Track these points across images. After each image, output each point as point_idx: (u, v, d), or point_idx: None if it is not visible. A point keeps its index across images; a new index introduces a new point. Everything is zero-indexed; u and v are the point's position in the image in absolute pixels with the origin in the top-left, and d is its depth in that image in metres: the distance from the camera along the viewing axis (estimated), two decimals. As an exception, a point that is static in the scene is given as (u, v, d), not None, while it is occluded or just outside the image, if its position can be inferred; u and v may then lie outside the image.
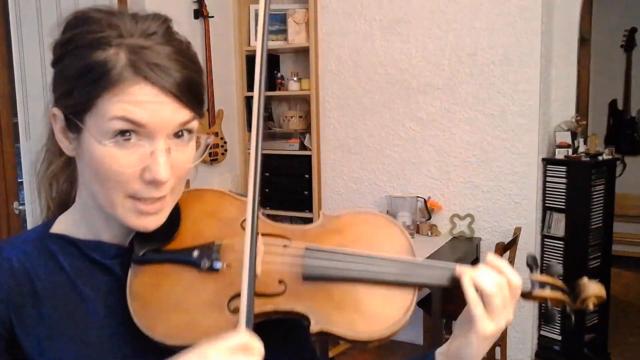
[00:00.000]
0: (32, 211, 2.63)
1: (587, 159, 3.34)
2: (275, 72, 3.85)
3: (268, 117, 3.95)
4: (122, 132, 0.65)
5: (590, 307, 0.77)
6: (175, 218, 0.76)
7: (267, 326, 0.69)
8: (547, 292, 0.76)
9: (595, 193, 3.27)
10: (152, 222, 0.71)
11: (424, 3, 3.44)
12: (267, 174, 3.87)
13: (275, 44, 3.80)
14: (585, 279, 0.79)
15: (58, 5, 2.84)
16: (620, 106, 5.72)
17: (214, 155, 3.57)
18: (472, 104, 3.39)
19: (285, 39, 3.76)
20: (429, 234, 3.43)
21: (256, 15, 3.80)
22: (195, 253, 0.73)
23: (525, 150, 3.30)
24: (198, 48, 3.43)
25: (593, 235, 3.28)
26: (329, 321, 0.71)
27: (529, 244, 3.33)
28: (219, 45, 3.60)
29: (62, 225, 0.78)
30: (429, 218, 3.49)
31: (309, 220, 3.80)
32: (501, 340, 3.06)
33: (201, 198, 0.80)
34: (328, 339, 0.75)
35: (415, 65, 3.50)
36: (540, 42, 3.21)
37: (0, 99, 2.65)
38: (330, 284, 0.73)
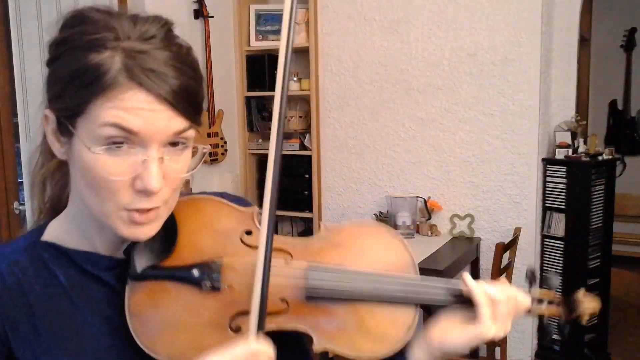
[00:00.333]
0: (32, 211, 2.62)
1: (587, 159, 3.34)
2: (276, 72, 3.83)
3: (268, 117, 3.95)
4: (114, 140, 0.63)
5: (585, 320, 0.80)
6: (172, 230, 0.74)
7: (271, 337, 0.69)
8: (545, 308, 0.80)
9: (595, 193, 3.27)
10: (144, 232, 0.68)
11: (424, 3, 3.44)
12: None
13: (275, 44, 3.80)
14: (581, 293, 0.81)
15: (58, 5, 2.84)
16: (620, 106, 5.72)
17: (214, 155, 3.57)
18: (472, 104, 3.39)
19: (285, 39, 3.75)
20: (429, 234, 3.43)
21: (256, 15, 3.80)
22: (196, 272, 0.71)
23: (525, 150, 3.30)
24: (198, 48, 3.44)
25: (593, 235, 3.27)
26: (332, 341, 0.71)
27: (529, 244, 3.33)
28: (219, 45, 3.60)
29: (54, 233, 0.75)
30: (429, 218, 3.49)
31: (309, 220, 3.83)
32: (501, 340, 3.05)
33: (198, 208, 0.77)
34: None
35: (415, 65, 3.50)
36: (540, 42, 3.21)
37: (0, 99, 2.65)
38: (333, 304, 0.73)
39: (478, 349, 3.09)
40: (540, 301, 0.80)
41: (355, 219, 3.77)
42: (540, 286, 0.82)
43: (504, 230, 3.38)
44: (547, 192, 3.38)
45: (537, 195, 3.34)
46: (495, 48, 3.30)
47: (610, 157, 3.49)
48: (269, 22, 3.82)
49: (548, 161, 3.37)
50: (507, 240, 2.95)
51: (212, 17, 3.48)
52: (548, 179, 3.36)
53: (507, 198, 3.37)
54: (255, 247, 0.73)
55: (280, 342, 0.71)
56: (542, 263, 3.44)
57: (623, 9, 5.53)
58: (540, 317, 0.81)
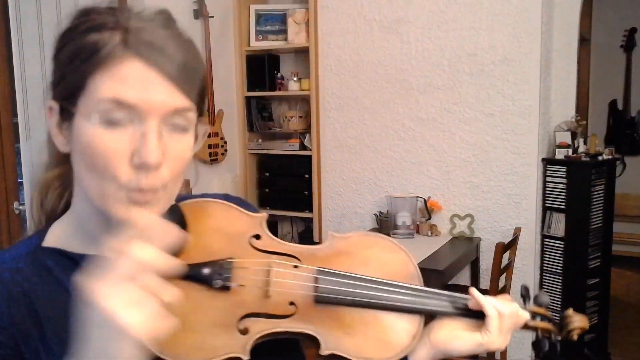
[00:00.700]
0: (31, 212, 2.62)
1: (587, 159, 3.34)
2: (275, 72, 3.85)
3: (268, 117, 3.95)
4: (113, 116, 0.61)
5: (575, 337, 0.87)
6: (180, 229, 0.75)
7: (266, 345, 0.69)
8: (538, 322, 0.85)
9: (595, 193, 3.27)
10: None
11: (424, 3, 3.44)
12: (267, 174, 3.87)
13: (275, 44, 3.80)
14: (570, 311, 0.88)
15: (58, 5, 2.84)
16: (620, 106, 5.72)
17: (214, 155, 3.57)
18: (472, 104, 3.39)
19: (285, 39, 3.76)
20: (429, 233, 3.43)
21: (256, 15, 3.80)
22: (206, 270, 0.70)
23: (525, 150, 3.30)
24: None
25: (593, 235, 3.28)
26: (339, 346, 0.71)
27: (528, 244, 3.34)
28: (219, 45, 3.60)
29: (56, 238, 0.73)
30: (429, 218, 3.49)
31: (309, 220, 3.83)
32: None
33: (206, 211, 0.77)
34: None
35: (415, 65, 3.51)
36: (540, 42, 3.21)
37: (0, 99, 2.65)
38: (342, 309, 0.73)
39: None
40: (534, 316, 0.86)
41: (356, 219, 3.77)
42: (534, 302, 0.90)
43: (504, 230, 3.38)
44: (547, 192, 3.38)
45: (537, 195, 3.34)
46: (495, 48, 3.30)
47: (610, 157, 3.49)
48: (269, 22, 3.82)
49: (548, 161, 3.37)
50: (507, 240, 2.95)
51: (212, 17, 3.48)
52: (548, 179, 3.36)
53: (507, 198, 3.37)
54: (264, 251, 0.73)
55: (276, 351, 0.71)
56: (542, 263, 3.44)
57: (623, 9, 5.53)
58: (536, 331, 0.86)
